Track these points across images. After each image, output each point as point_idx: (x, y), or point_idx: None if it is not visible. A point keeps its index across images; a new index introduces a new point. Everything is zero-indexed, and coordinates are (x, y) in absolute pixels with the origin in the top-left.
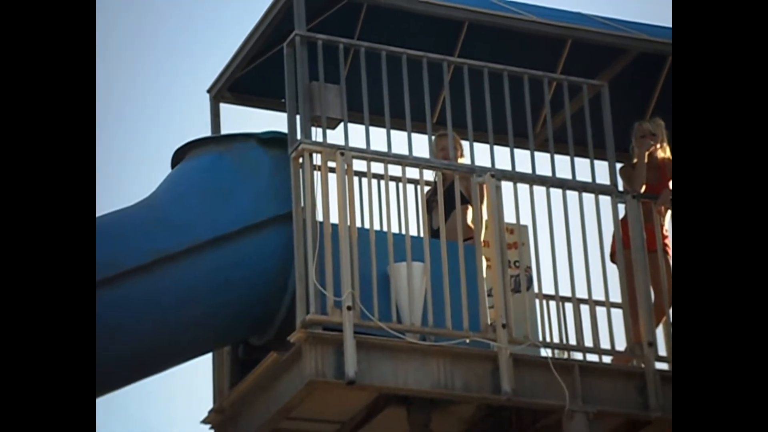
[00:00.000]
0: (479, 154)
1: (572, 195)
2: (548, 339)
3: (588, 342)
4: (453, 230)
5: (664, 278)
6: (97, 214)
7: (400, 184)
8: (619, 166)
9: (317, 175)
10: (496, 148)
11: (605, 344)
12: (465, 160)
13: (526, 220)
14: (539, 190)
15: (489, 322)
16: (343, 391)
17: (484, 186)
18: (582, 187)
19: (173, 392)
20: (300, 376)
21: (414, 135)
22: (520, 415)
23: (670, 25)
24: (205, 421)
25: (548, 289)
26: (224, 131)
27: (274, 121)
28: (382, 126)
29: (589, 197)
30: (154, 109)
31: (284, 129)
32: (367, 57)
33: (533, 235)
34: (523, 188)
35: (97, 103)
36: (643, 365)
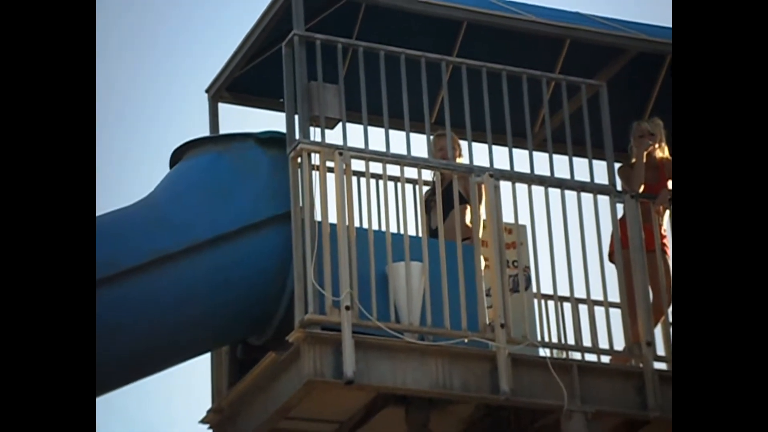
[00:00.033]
0: (478, 153)
1: (571, 195)
2: (547, 339)
3: (586, 342)
4: (451, 230)
5: (663, 278)
6: (97, 214)
7: (399, 184)
8: (617, 165)
9: (316, 174)
10: (494, 147)
11: (604, 344)
12: (463, 159)
13: (524, 219)
14: (538, 190)
15: (487, 322)
16: (341, 390)
17: (483, 186)
18: (580, 187)
19: (172, 392)
20: (298, 376)
21: (412, 135)
22: (518, 415)
23: (669, 25)
24: (203, 421)
25: (547, 288)
26: (223, 131)
27: (272, 121)
28: (381, 126)
29: (587, 197)
30: (153, 109)
31: (283, 129)
32: (366, 57)
33: (532, 235)
34: (521, 188)
35: (97, 103)
36: (641, 365)
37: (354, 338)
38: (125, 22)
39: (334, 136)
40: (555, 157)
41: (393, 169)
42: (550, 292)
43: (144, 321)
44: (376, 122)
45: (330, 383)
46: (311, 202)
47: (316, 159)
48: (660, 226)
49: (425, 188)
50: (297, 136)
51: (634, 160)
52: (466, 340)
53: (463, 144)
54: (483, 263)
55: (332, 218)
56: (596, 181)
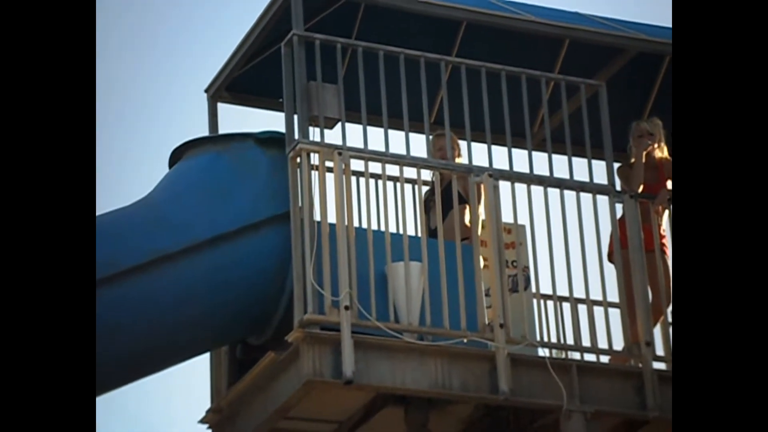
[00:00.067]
0: (477, 153)
1: (570, 195)
2: (546, 339)
3: (585, 342)
4: (450, 230)
5: (662, 278)
6: (96, 214)
7: (398, 184)
8: (616, 165)
9: (315, 174)
10: (493, 147)
11: (603, 344)
12: (462, 159)
13: (523, 219)
14: (537, 190)
15: (486, 322)
16: (340, 390)
17: (482, 186)
18: (580, 187)
19: (171, 392)
20: (297, 376)
21: (412, 135)
22: (517, 415)
23: (668, 25)
24: (202, 421)
25: (546, 288)
26: (222, 131)
27: (271, 121)
28: (380, 126)
29: (586, 197)
30: (153, 109)
31: (282, 129)
32: (365, 57)
33: (531, 235)
34: (520, 188)
35: (97, 103)
36: (640, 365)
37: (353, 338)
38: (125, 22)
39: (333, 136)
40: (554, 157)
41: (392, 169)
42: (550, 292)
43: (143, 321)
44: (375, 122)
45: (329, 383)
46: (310, 202)
47: (315, 159)
48: (659, 226)
49: (424, 188)
50: (296, 136)
51: (633, 160)
52: (465, 340)
53: (462, 144)
54: (482, 263)
55: (331, 218)
56: (595, 181)
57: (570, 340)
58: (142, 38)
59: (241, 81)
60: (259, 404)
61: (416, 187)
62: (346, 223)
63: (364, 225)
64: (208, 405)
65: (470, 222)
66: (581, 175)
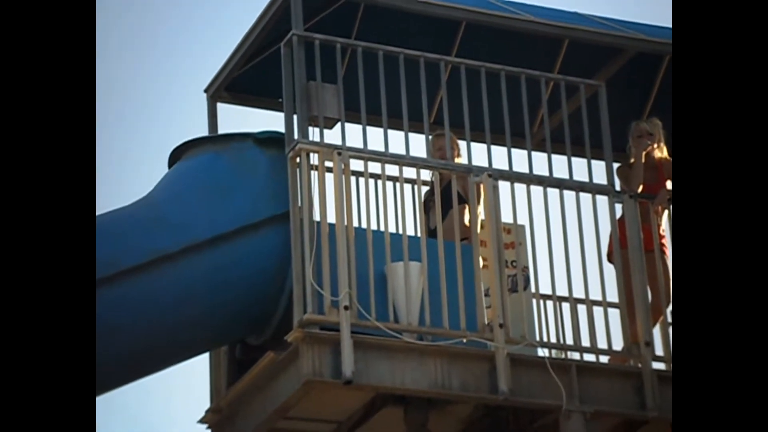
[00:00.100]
0: (476, 153)
1: (569, 195)
2: (545, 339)
3: (585, 342)
4: (450, 230)
5: (661, 278)
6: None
7: (398, 184)
8: (616, 165)
9: (314, 174)
10: (493, 147)
11: (602, 344)
12: (462, 159)
13: (523, 219)
14: (536, 190)
15: (486, 322)
16: (340, 390)
17: (481, 186)
18: (579, 187)
19: (171, 392)
20: (297, 376)
21: (411, 135)
22: (517, 415)
23: (668, 25)
24: (202, 421)
25: (545, 288)
26: (221, 131)
27: (271, 121)
28: (380, 126)
29: (586, 197)
30: (152, 109)
31: (281, 129)
32: (365, 57)
33: (530, 235)
34: (520, 188)
35: (97, 103)
36: (640, 365)
37: (353, 338)
38: (125, 22)
39: (332, 136)
40: (554, 157)
41: (392, 169)
42: (549, 292)
43: (143, 321)
44: (374, 122)
45: (329, 383)
46: (310, 202)
47: (314, 159)
48: (659, 226)
49: (424, 188)
50: (296, 136)
51: (632, 160)
52: (464, 340)
53: (462, 144)
54: (481, 263)
55: (331, 218)
56: (595, 181)
57: (569, 340)
58: (142, 38)
59: (240, 81)
60: (259, 404)
61: (416, 187)
62: (345, 223)
63: (364, 225)
64: (207, 405)
65: (470, 222)
66: (581, 175)
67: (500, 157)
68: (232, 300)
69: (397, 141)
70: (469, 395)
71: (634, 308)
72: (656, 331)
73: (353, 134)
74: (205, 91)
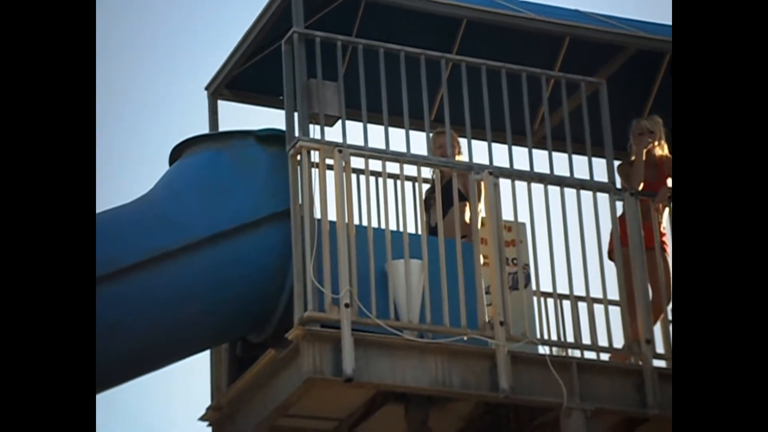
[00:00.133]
0: (477, 151)
1: (570, 192)
2: (546, 336)
3: (586, 339)
4: (451, 227)
5: (662, 276)
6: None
7: (398, 182)
8: (617, 163)
9: (315, 172)
10: (494, 145)
11: (603, 342)
12: (463, 157)
13: (524, 217)
14: (537, 188)
15: (487, 320)
16: (340, 388)
17: (482, 183)
18: (580, 185)
19: (172, 389)
20: (298, 374)
21: (412, 132)
22: (517, 413)
23: (668, 23)
24: (202, 419)
25: (546, 286)
26: (222, 128)
27: (272, 119)
28: (380, 123)
29: (587, 195)
30: (153, 107)
31: (282, 126)
32: (365, 54)
33: (531, 233)
34: (521, 186)
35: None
36: (640, 362)
37: (353, 336)
38: (125, 22)
39: (333, 134)
40: (554, 154)
41: (392, 167)
42: (550, 289)
43: (143, 318)
44: (375, 120)
45: (329, 381)
46: (310, 199)
47: (315, 156)
48: (659, 223)
49: (425, 186)
50: (296, 134)
51: (633, 158)
52: (465, 338)
53: (463, 141)
54: (482, 261)
55: (332, 216)
56: (596, 178)
57: (570, 338)
58: (143, 38)
59: (241, 78)
60: (260, 402)
61: (416, 184)
62: (346, 220)
63: (365, 222)
64: (208, 402)
65: (470, 219)
66: (581, 172)
67: (501, 155)
68: (232, 298)
69: (397, 138)
70: (470, 393)
71: (635, 306)
72: (657, 329)
73: (354, 132)
74: (206, 88)
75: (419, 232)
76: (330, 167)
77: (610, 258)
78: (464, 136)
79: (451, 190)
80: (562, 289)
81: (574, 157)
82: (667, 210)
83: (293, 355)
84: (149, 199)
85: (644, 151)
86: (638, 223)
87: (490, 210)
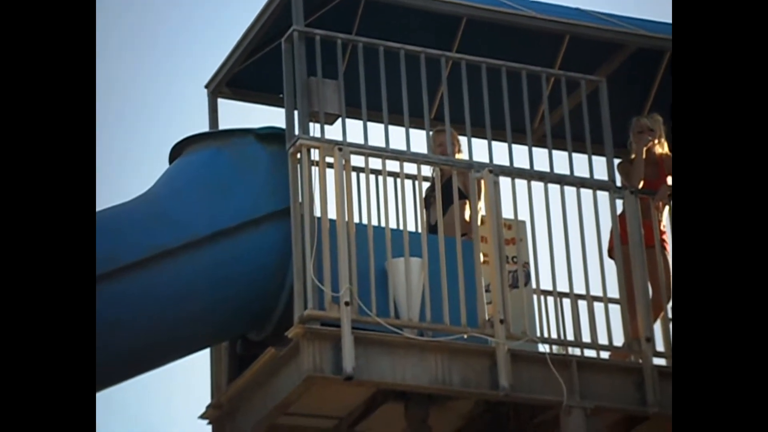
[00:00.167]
0: (477, 149)
1: (570, 191)
2: (546, 335)
3: (586, 338)
4: (451, 226)
5: (662, 274)
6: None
7: (398, 180)
8: (617, 161)
9: (315, 170)
10: (494, 143)
11: (603, 340)
12: (463, 155)
13: (524, 215)
14: (537, 186)
15: (487, 318)
16: (340, 386)
17: (482, 181)
18: (580, 183)
19: (171, 388)
20: (298, 372)
21: (412, 130)
22: (518, 411)
23: (668, 21)
24: (202, 417)
25: (546, 284)
26: (222, 126)
27: (272, 117)
28: (380, 122)
29: (587, 193)
30: (153, 106)
31: (282, 124)
32: (365, 52)
33: (531, 231)
34: (521, 184)
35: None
36: (640, 361)
37: (353, 334)
38: (125, 22)
39: (333, 132)
40: (554, 153)
41: (392, 165)
42: (550, 288)
43: (143, 317)
44: (375, 118)
45: (329, 379)
46: (311, 197)
47: (315, 155)
48: (659, 222)
49: (425, 184)
50: (296, 132)
51: (633, 156)
52: (465, 336)
53: (463, 140)
54: (482, 259)
55: (332, 214)
56: (596, 177)
57: (570, 336)
58: (143, 37)
59: (241, 77)
60: (259, 400)
61: (416, 182)
62: (346, 218)
63: (365, 221)
64: (208, 401)
65: (470, 218)
66: (581, 170)
67: (501, 153)
68: (232, 296)
69: (397, 137)
70: (470, 391)
71: (635, 304)
72: (657, 327)
73: (354, 130)
74: (206, 86)
75: (419, 231)
76: (330, 165)
77: (610, 256)
78: (464, 134)
79: (451, 188)
80: (562, 287)
81: (574, 155)
82: (667, 208)
83: (293, 354)
84: (149, 197)
85: (644, 149)
86: (638, 221)
87: (490, 208)
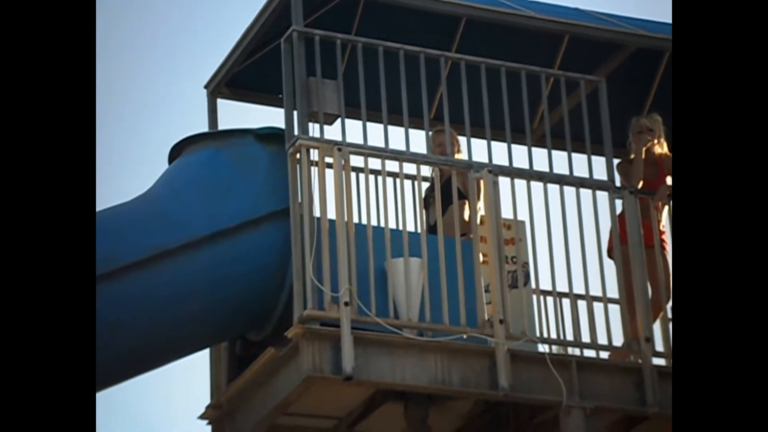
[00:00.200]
0: (476, 149)
1: (569, 191)
2: (545, 335)
3: (585, 338)
4: (450, 226)
5: (662, 274)
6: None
7: (398, 180)
8: (616, 161)
9: (314, 170)
10: (493, 143)
11: (602, 340)
12: (462, 155)
13: (523, 215)
14: (536, 186)
15: (486, 318)
16: (340, 386)
17: (482, 181)
18: (579, 183)
19: (171, 388)
20: (297, 372)
21: (411, 131)
22: (517, 411)
23: (668, 21)
24: (202, 417)
25: (545, 284)
26: (221, 127)
27: (271, 117)
28: (380, 122)
29: (586, 193)
30: (153, 106)
31: (281, 125)
32: (365, 53)
33: (530, 231)
34: (520, 184)
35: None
36: (640, 361)
37: (353, 334)
38: (125, 22)
39: (332, 132)
40: (554, 153)
41: (392, 165)
42: (549, 288)
43: (143, 317)
44: (374, 118)
45: (329, 379)
46: (310, 198)
47: (314, 155)
48: (659, 222)
49: (424, 184)
50: (296, 132)
51: (632, 156)
52: (465, 336)
53: (462, 140)
54: (482, 259)
55: (331, 214)
56: (595, 177)
57: (570, 336)
58: (142, 38)
59: (240, 77)
60: (259, 400)
61: (416, 183)
62: (345, 219)
63: (364, 221)
64: (207, 401)
65: (470, 218)
66: (581, 171)
67: (500, 153)
68: (232, 296)
69: (397, 137)
70: (470, 391)
71: (635, 304)
72: (656, 327)
73: (353, 130)
74: (206, 87)
75: (419, 231)
76: (329, 165)
77: (610, 256)
78: (463, 135)
79: (450, 188)
80: (562, 287)
81: (574, 155)
82: (666, 208)
83: (293, 354)
84: (149, 197)
85: (644, 149)
86: (638, 221)
87: (489, 208)
